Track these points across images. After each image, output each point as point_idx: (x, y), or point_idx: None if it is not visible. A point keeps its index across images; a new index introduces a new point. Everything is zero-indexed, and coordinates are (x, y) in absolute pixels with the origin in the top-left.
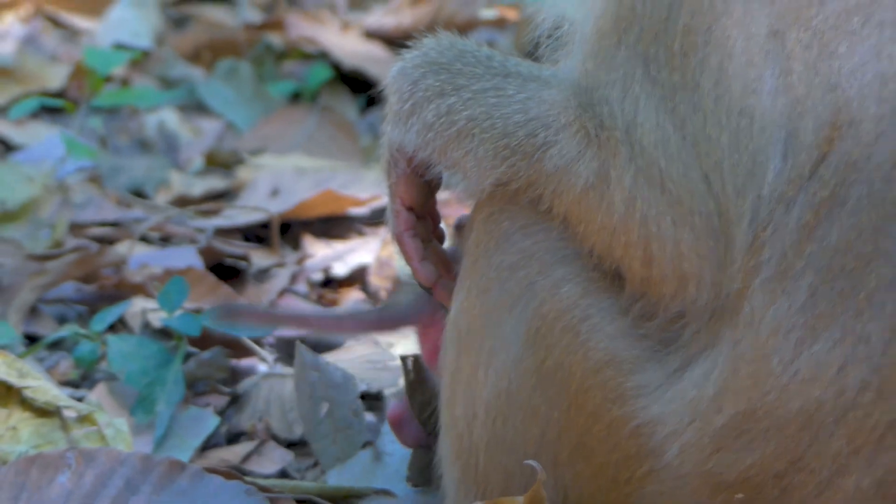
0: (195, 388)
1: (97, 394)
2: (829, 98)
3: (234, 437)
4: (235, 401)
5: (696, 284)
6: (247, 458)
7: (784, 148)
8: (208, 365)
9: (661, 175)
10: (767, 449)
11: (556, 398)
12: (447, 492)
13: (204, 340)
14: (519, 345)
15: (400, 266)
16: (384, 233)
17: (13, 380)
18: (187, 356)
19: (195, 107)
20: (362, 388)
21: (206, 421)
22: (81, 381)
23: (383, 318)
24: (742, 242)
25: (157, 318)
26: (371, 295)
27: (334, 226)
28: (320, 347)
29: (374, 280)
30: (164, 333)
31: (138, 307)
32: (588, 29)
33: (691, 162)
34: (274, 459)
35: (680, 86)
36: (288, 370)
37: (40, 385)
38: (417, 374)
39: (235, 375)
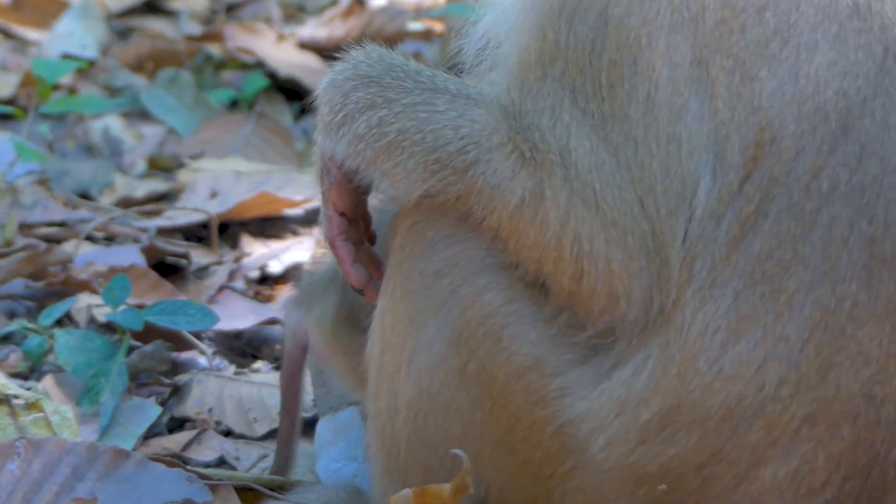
0: (138, 380)
1: (45, 385)
2: (753, 119)
3: (175, 427)
4: (176, 392)
5: (626, 301)
6: (187, 446)
7: (713, 168)
8: (150, 357)
9: (595, 197)
10: (690, 442)
11: (478, 399)
12: (372, 480)
13: (146, 334)
14: (442, 347)
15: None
16: (317, 233)
17: None
18: (130, 349)
19: (138, 113)
20: None
21: (149, 410)
22: (30, 373)
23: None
24: (676, 259)
25: (102, 314)
26: None
27: (270, 226)
28: None
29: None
30: (109, 328)
31: (84, 303)
32: (511, 61)
33: (626, 186)
34: (213, 448)
35: (609, 115)
36: (225, 364)
37: None
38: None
39: (176, 368)
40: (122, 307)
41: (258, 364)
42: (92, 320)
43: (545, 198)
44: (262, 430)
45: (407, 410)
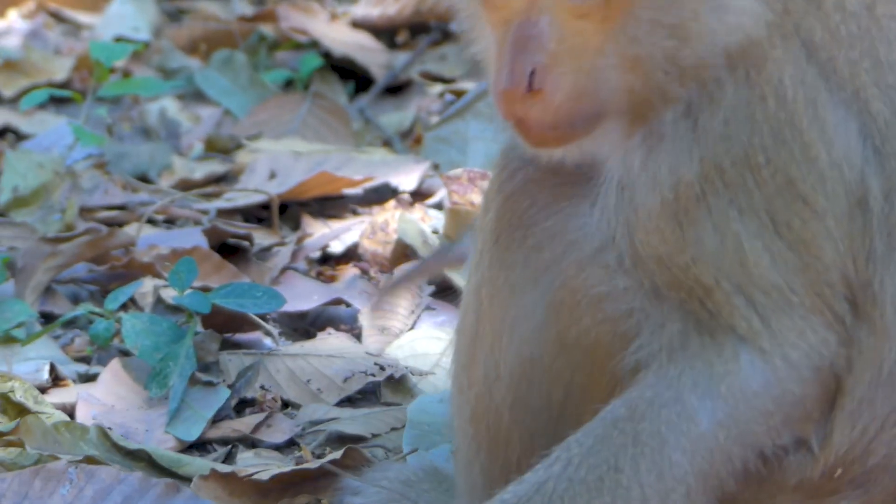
0: (205, 363)
1: (111, 370)
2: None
3: (242, 409)
4: (243, 374)
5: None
6: (256, 428)
7: (874, 163)
8: (199, 347)
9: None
10: None
11: (580, 363)
12: (458, 450)
13: (212, 317)
14: (542, 315)
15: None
16: (377, 210)
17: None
18: (197, 333)
19: (194, 95)
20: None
21: (218, 393)
22: (95, 357)
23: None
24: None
25: (168, 296)
26: (365, 271)
27: (330, 206)
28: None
29: (366, 243)
30: (174, 310)
31: (148, 287)
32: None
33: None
34: (282, 430)
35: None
36: (288, 345)
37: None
38: None
39: (241, 347)
40: (188, 290)
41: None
42: (159, 302)
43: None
44: (331, 398)
45: (510, 378)
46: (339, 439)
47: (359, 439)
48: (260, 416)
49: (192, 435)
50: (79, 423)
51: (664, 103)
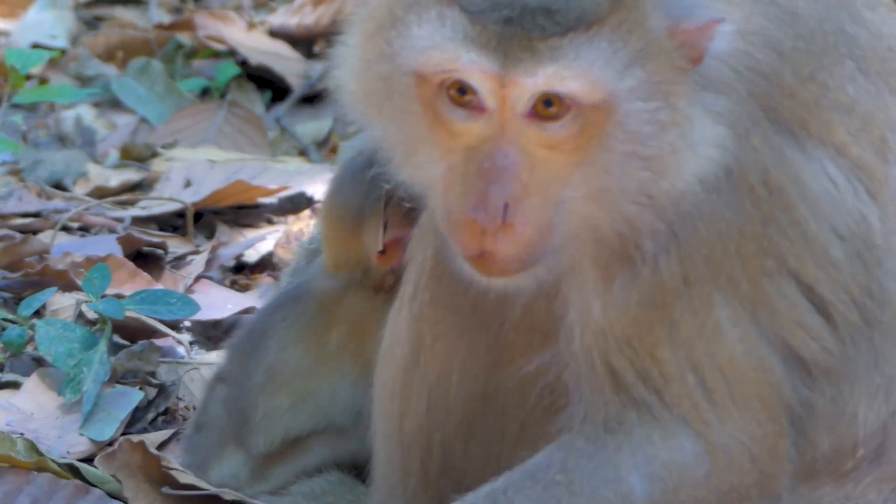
0: (124, 379)
1: (32, 379)
2: None
3: (160, 424)
4: (163, 391)
5: None
6: (165, 444)
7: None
8: (139, 357)
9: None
10: None
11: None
12: (378, 471)
13: (123, 325)
14: (495, 355)
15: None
16: (292, 220)
17: None
18: (117, 348)
19: (110, 103)
20: None
21: (131, 397)
22: (8, 364)
23: None
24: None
25: (69, 306)
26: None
27: (245, 215)
28: None
29: (281, 252)
30: (83, 317)
31: (70, 300)
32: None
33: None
34: None
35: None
36: (202, 353)
37: None
38: None
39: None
40: (102, 297)
41: None
42: (80, 316)
43: None
44: None
45: (462, 413)
46: None
47: None
48: (173, 429)
49: (105, 435)
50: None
51: (633, 232)
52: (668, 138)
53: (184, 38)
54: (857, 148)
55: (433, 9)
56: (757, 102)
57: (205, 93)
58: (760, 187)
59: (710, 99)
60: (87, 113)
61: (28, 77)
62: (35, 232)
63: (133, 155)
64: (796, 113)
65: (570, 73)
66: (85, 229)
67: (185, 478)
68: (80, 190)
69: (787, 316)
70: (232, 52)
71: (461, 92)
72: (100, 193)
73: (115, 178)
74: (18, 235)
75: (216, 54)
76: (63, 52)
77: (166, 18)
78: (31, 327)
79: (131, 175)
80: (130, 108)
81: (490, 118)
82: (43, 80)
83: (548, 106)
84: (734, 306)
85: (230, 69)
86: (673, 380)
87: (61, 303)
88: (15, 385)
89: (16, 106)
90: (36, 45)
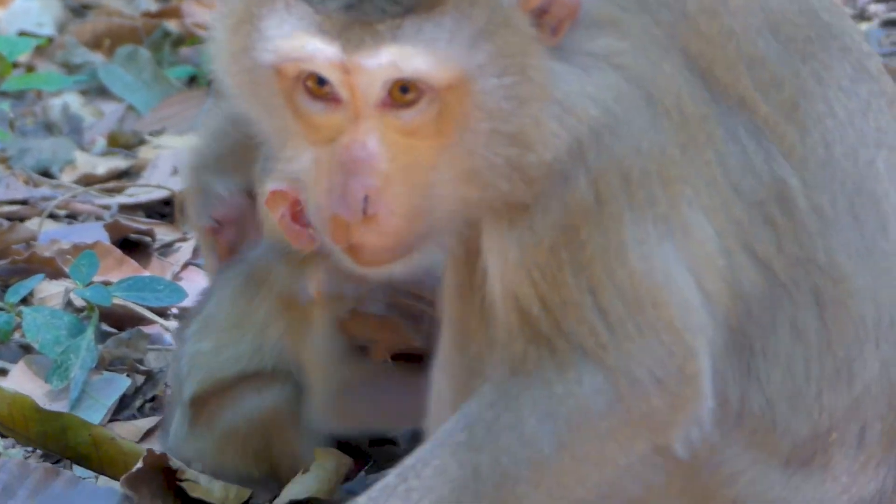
0: (112, 366)
1: (20, 366)
2: None
3: (147, 411)
4: (151, 378)
5: None
6: (149, 433)
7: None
8: (126, 345)
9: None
10: None
11: None
12: None
13: (111, 312)
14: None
15: None
16: None
17: None
18: (105, 336)
19: (97, 91)
20: None
21: (119, 384)
22: None
23: None
24: None
25: (59, 292)
26: None
27: None
28: None
29: None
30: (72, 304)
31: (60, 287)
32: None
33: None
34: None
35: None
36: None
37: None
38: None
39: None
40: (89, 284)
41: None
42: (69, 304)
43: None
44: None
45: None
46: None
47: None
48: (161, 416)
49: (93, 420)
50: None
51: (508, 206)
52: (530, 111)
53: (171, 25)
54: (766, 106)
55: (281, 1)
56: (663, 31)
57: (192, 80)
58: (675, 113)
59: (594, 44)
60: (74, 100)
61: (15, 65)
62: (22, 219)
63: (120, 142)
64: (702, 50)
65: (412, 53)
66: (72, 217)
67: (196, 490)
68: (67, 177)
69: (700, 249)
70: None
71: (320, 83)
72: (87, 181)
73: (103, 166)
74: (5, 223)
75: (203, 42)
76: (50, 39)
77: (153, 6)
78: (19, 314)
79: (119, 162)
80: (118, 96)
81: (345, 109)
82: (30, 68)
83: (403, 92)
84: (645, 226)
85: None
86: (571, 305)
87: (49, 290)
88: (2, 372)
89: (3, 93)
90: (23, 33)
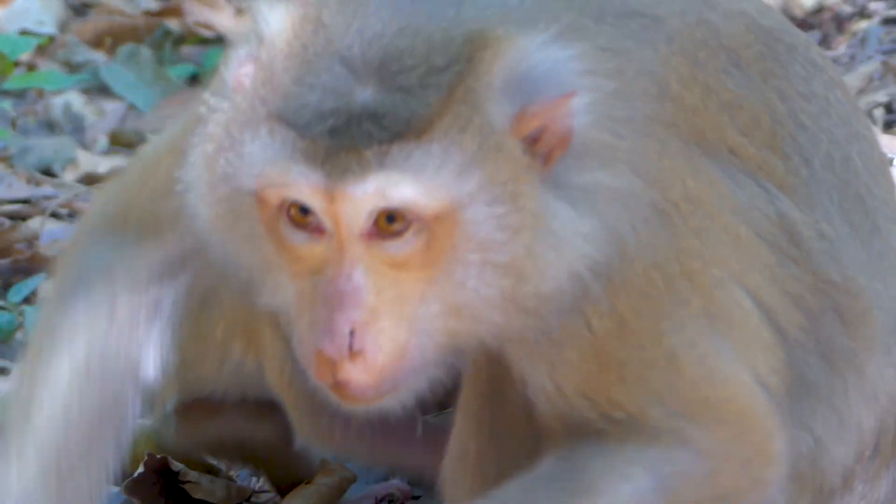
0: None
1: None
2: None
3: None
4: None
5: None
6: None
7: None
8: None
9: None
10: None
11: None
12: None
13: None
14: None
15: None
16: None
17: None
18: None
19: (99, 90)
20: None
21: None
22: None
23: None
24: None
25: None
26: None
27: None
28: None
29: None
30: None
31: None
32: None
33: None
34: None
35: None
36: None
37: None
38: None
39: None
40: None
41: None
42: None
43: None
44: None
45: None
46: None
47: None
48: None
49: None
50: None
51: (501, 341)
52: (522, 242)
53: (172, 24)
54: (752, 147)
55: (264, 125)
56: (657, 123)
57: (194, 79)
58: (684, 202)
59: (586, 178)
60: (75, 99)
61: (16, 63)
62: (24, 218)
63: (122, 141)
64: (690, 121)
65: (400, 181)
66: (74, 215)
67: (199, 492)
68: (69, 176)
69: (746, 331)
70: (220, 39)
71: (303, 212)
72: (89, 180)
73: (105, 165)
74: (7, 222)
75: (205, 40)
76: (51, 38)
77: (154, 5)
78: (21, 314)
79: (120, 161)
80: (119, 95)
81: (330, 239)
82: (31, 67)
83: (390, 222)
84: (686, 329)
85: (219, 55)
86: (639, 415)
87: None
88: (4, 371)
89: (4, 92)
90: (24, 32)
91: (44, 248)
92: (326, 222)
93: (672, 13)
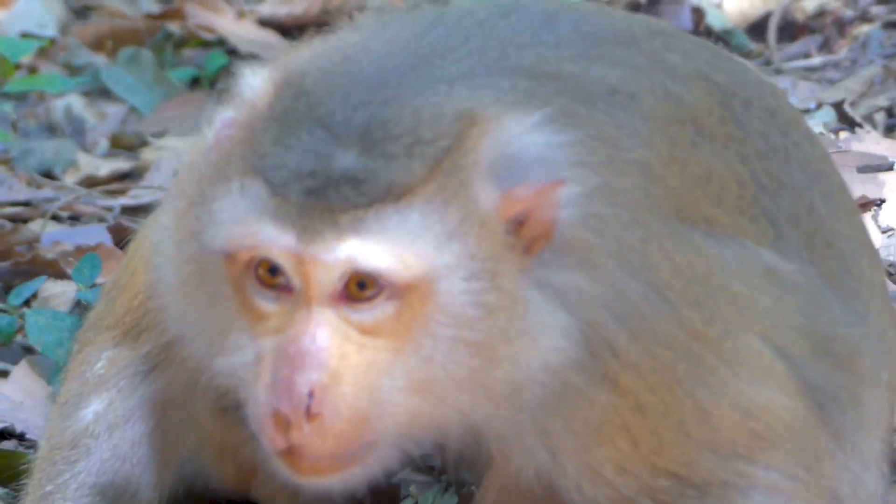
0: None
1: (21, 367)
2: None
3: None
4: None
5: None
6: None
7: None
8: None
9: None
10: None
11: None
12: None
13: None
14: None
15: None
16: None
17: None
18: None
19: (99, 92)
20: None
21: None
22: None
23: None
24: None
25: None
26: None
27: None
28: None
29: None
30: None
31: (70, 289)
32: None
33: None
34: None
35: None
36: None
37: None
38: None
39: None
40: (92, 286)
41: None
42: (77, 305)
43: None
44: None
45: None
46: None
47: None
48: None
49: None
50: None
51: (471, 426)
52: (497, 323)
53: (173, 27)
54: (725, 216)
55: (236, 181)
56: (641, 209)
57: (194, 82)
58: (675, 279)
59: (564, 278)
60: (76, 102)
61: (17, 66)
62: (25, 221)
63: (123, 144)
64: (671, 200)
65: (373, 250)
66: (75, 218)
67: None
68: (69, 179)
69: (758, 364)
70: (221, 42)
71: (272, 272)
72: (90, 182)
73: (105, 167)
74: (8, 224)
75: (206, 43)
76: (52, 41)
77: (155, 7)
78: (21, 316)
79: (121, 164)
80: (120, 98)
81: (297, 298)
82: (32, 70)
83: (361, 288)
84: (710, 381)
85: (219, 58)
86: (688, 474)
87: (52, 290)
88: (4, 374)
89: (5, 95)
90: (25, 35)
91: (44, 250)
92: (295, 281)
93: (642, 89)
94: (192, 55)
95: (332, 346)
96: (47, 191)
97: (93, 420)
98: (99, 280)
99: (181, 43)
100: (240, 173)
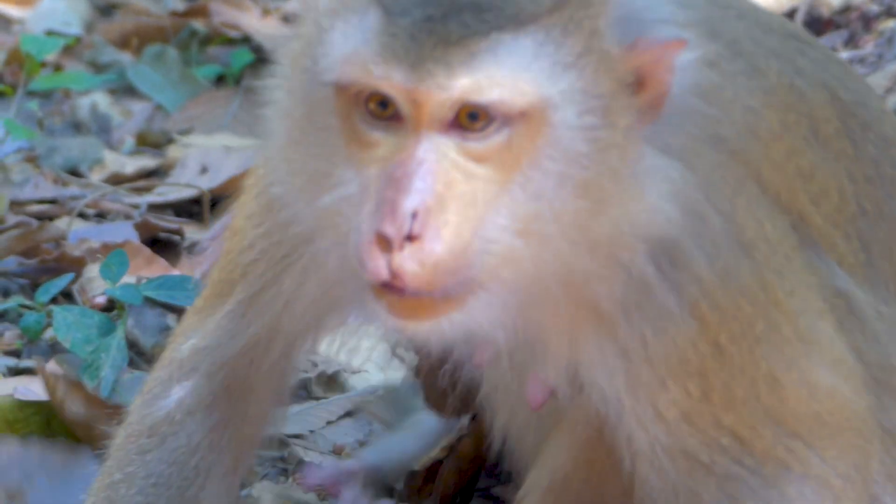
0: (143, 355)
1: (50, 364)
2: None
3: None
4: None
5: None
6: None
7: None
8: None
9: None
10: None
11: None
12: None
13: (142, 311)
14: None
15: None
16: None
17: None
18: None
19: (125, 90)
20: None
21: None
22: (25, 350)
23: None
24: None
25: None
26: None
27: None
28: None
29: None
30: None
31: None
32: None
33: None
34: None
35: None
36: None
37: None
38: None
39: None
40: (119, 283)
41: None
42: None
43: None
44: None
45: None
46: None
47: (295, 436)
48: None
49: None
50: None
51: (565, 285)
52: (608, 162)
53: (199, 24)
54: (820, 218)
55: (355, 13)
56: (740, 163)
57: (220, 79)
58: (761, 242)
59: (678, 138)
60: (102, 100)
61: (43, 64)
62: (51, 218)
63: (149, 141)
64: (771, 177)
65: (485, 81)
66: (101, 216)
67: None
68: (96, 176)
69: (831, 350)
70: (247, 39)
71: (383, 105)
72: (116, 180)
73: (131, 165)
74: (35, 222)
75: (231, 41)
76: (78, 39)
77: (181, 5)
78: (48, 313)
79: (147, 161)
80: (146, 95)
81: (406, 127)
82: (58, 67)
83: (473, 119)
84: (784, 351)
85: (245, 56)
86: (750, 439)
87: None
88: (33, 371)
89: (31, 93)
90: (50, 33)
91: (71, 247)
92: (406, 112)
93: (771, 69)
94: (218, 53)
95: (440, 172)
96: (73, 188)
97: (175, 407)
98: (125, 277)
99: (206, 40)
100: (358, 4)
